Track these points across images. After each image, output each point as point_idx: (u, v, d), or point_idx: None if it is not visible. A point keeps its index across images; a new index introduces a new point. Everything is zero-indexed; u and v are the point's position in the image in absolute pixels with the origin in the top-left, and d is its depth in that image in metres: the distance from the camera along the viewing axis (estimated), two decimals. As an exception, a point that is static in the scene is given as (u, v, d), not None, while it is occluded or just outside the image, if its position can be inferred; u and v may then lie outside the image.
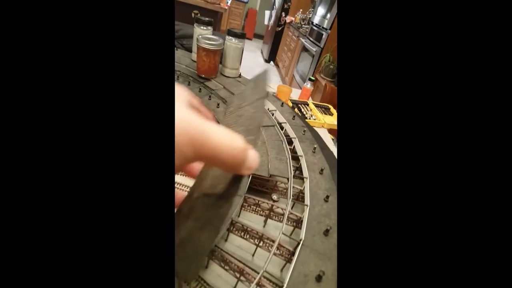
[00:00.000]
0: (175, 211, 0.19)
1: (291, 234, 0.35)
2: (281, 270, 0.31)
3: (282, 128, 0.55)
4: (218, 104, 0.61)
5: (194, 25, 0.79)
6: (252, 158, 0.18)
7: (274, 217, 0.39)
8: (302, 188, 0.41)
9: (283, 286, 0.25)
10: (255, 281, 0.25)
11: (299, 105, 0.84)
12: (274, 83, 0.90)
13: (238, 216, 0.39)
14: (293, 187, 0.40)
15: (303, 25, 2.97)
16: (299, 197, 0.40)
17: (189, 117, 0.15)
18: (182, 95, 0.17)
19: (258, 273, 0.26)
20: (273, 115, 0.59)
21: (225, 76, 0.77)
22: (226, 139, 0.16)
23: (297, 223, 0.36)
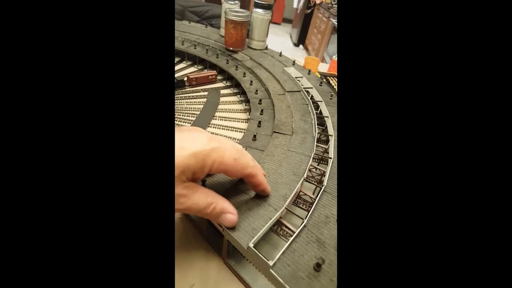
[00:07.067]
0: None
1: (314, 191, 0.35)
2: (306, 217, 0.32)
3: (308, 93, 0.54)
4: (244, 74, 0.62)
5: (222, 0, 0.80)
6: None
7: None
8: (327, 147, 0.40)
9: (303, 222, 0.26)
10: (276, 215, 0.26)
11: (328, 77, 0.81)
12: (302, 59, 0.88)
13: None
14: (317, 145, 0.40)
15: (333, 5, 2.82)
16: (324, 154, 0.39)
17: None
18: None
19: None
20: (299, 81, 0.58)
21: (252, 48, 0.77)
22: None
23: (321, 177, 0.36)
